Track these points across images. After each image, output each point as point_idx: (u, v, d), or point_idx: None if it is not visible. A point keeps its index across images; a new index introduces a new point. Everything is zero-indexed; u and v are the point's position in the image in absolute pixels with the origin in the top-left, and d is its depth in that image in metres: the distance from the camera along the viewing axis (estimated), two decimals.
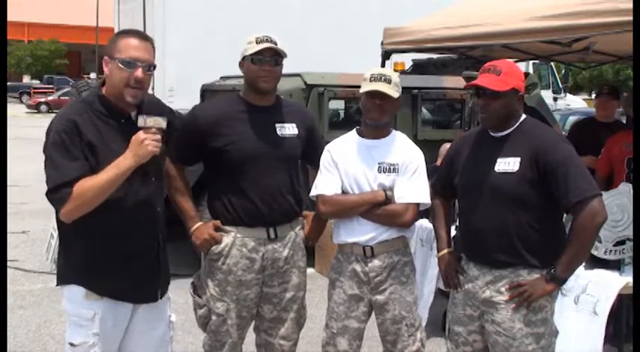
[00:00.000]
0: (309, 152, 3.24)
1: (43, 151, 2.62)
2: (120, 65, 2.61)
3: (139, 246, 2.74)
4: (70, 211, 2.55)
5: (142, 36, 2.71)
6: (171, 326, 2.97)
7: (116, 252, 2.68)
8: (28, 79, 43.54)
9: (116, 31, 12.69)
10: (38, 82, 41.89)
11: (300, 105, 3.95)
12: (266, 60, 3.03)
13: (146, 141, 2.56)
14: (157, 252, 2.81)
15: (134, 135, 2.59)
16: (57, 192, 2.53)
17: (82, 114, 2.62)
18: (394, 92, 3.03)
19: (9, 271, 6.10)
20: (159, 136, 2.61)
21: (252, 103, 3.14)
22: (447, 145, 3.74)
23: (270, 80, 3.07)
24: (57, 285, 2.78)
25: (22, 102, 37.18)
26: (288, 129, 3.16)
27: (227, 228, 3.12)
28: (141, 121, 2.59)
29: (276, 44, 3.04)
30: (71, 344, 2.72)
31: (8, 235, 6.86)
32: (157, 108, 2.84)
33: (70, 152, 2.54)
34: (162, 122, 2.62)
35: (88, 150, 2.57)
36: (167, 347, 2.96)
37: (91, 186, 2.52)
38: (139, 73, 2.61)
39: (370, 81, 3.03)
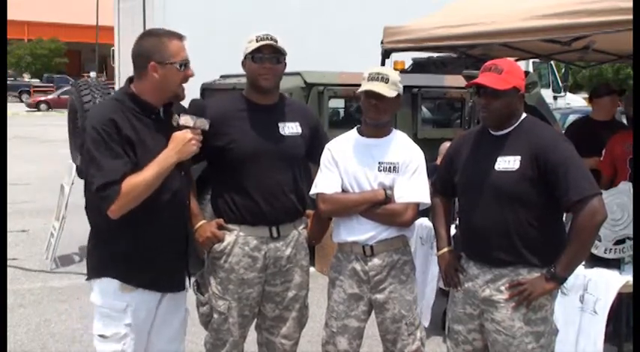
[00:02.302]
0: (313, 151, 3.23)
1: (84, 150, 2.67)
2: (178, 68, 2.71)
3: (172, 236, 2.81)
4: (120, 208, 2.60)
5: (180, 35, 2.79)
6: (186, 316, 3.02)
7: (151, 243, 2.74)
8: (28, 77, 43.50)
9: (116, 29, 12.65)
10: (38, 80, 41.87)
11: (304, 104, 3.94)
12: (266, 58, 3.03)
13: (192, 141, 2.71)
14: (185, 241, 2.89)
15: (175, 132, 2.71)
16: (105, 191, 2.57)
17: (118, 111, 2.67)
18: (391, 91, 3.00)
19: (9, 270, 6.10)
20: (201, 137, 2.76)
21: (255, 102, 3.14)
22: (447, 144, 3.74)
23: (271, 78, 3.07)
24: (87, 279, 2.82)
25: (21, 100, 37.17)
26: (291, 128, 3.15)
27: (230, 226, 3.12)
28: (189, 121, 2.74)
29: (277, 42, 3.03)
30: (102, 336, 2.75)
31: (8, 234, 6.86)
32: (177, 105, 2.93)
33: (113, 150, 2.59)
34: (206, 124, 2.79)
35: (128, 146, 2.63)
36: (182, 338, 3.01)
37: (139, 182, 2.60)
38: (191, 70, 2.76)
39: (368, 80, 3.02)
